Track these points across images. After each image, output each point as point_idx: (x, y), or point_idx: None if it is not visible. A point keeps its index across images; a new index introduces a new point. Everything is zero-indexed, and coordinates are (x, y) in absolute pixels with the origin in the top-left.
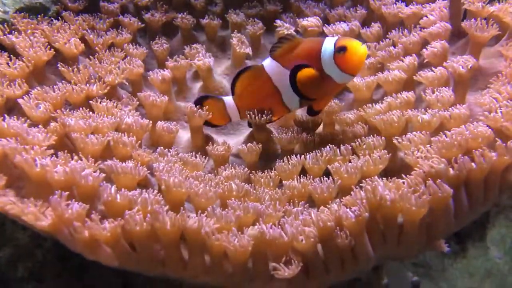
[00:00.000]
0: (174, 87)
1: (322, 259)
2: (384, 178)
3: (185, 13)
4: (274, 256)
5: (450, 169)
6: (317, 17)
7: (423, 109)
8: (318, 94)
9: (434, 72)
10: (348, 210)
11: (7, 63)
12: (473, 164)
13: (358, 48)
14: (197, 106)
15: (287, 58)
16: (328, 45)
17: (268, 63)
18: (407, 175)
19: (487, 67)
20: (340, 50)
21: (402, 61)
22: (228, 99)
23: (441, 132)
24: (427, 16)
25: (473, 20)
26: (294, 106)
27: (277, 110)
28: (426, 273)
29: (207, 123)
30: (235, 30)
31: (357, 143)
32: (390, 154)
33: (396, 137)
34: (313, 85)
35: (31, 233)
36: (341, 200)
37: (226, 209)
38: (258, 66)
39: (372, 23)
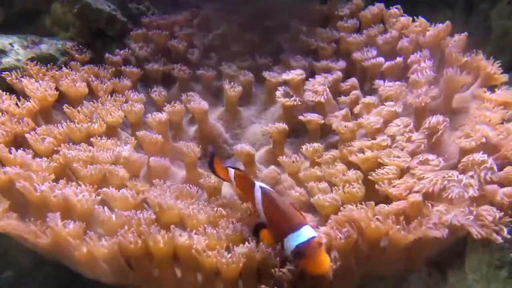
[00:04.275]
0: (171, 131)
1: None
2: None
3: (182, 65)
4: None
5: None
6: (301, 70)
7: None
8: None
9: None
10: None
11: (16, 104)
12: None
13: (317, 267)
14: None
15: (268, 208)
16: (294, 239)
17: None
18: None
19: (460, 110)
20: (297, 254)
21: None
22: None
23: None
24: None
25: (446, 68)
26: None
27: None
28: None
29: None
30: (228, 80)
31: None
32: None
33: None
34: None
35: (33, 257)
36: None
37: (216, 229)
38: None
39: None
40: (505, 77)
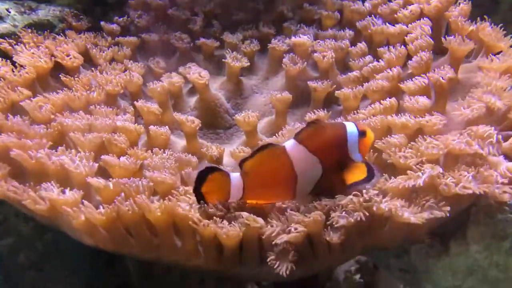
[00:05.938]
0: (171, 101)
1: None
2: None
3: (183, 34)
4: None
5: None
6: (308, 35)
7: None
8: None
9: (415, 82)
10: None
11: (12, 71)
12: None
13: (371, 134)
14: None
15: (314, 143)
16: (352, 131)
17: (291, 146)
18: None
19: (465, 80)
20: (362, 134)
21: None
22: (235, 176)
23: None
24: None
25: (452, 36)
26: (303, 194)
27: (282, 195)
28: (412, 278)
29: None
30: (230, 49)
31: None
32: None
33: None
34: None
35: (33, 225)
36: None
37: None
38: (278, 146)
39: (358, 43)
40: (508, 44)
